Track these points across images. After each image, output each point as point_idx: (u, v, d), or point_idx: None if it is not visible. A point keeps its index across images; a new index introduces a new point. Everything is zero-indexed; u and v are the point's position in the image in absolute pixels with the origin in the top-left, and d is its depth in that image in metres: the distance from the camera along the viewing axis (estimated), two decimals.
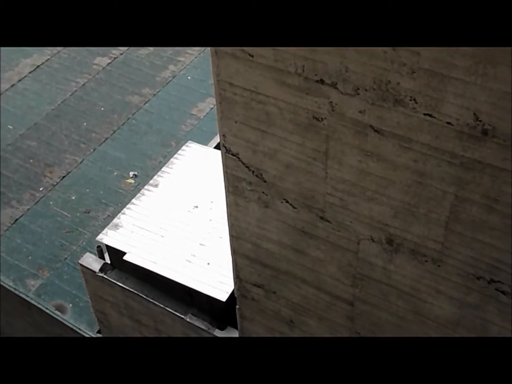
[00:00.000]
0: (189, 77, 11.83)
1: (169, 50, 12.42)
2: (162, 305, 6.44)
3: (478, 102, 3.11)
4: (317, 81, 3.54)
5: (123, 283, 6.66)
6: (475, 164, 3.36)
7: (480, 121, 3.17)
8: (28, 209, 9.49)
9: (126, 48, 12.46)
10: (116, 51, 12.45)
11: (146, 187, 7.12)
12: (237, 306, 5.64)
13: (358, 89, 3.42)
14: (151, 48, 12.40)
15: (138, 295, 6.57)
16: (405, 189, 3.73)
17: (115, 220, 6.76)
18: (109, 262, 6.85)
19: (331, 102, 3.59)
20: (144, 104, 11.28)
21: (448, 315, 4.24)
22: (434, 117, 3.30)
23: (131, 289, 6.61)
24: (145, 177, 9.58)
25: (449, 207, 3.64)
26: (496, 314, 3.99)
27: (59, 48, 12.57)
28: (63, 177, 10.01)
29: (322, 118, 3.71)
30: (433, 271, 4.04)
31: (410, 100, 3.30)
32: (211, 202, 6.84)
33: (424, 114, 3.32)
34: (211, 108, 10.90)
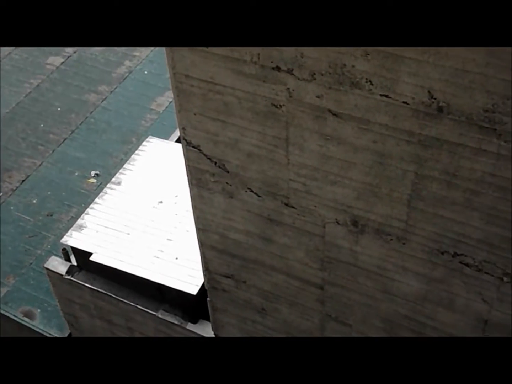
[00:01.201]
0: (145, 72, 11.68)
1: None
2: (132, 303, 6.40)
3: (432, 80, 3.16)
4: (273, 68, 3.55)
5: (91, 284, 6.58)
6: (433, 141, 3.42)
7: (435, 98, 3.23)
8: None
9: None
10: (69, 49, 12.20)
11: (108, 185, 7.03)
12: (208, 299, 5.64)
13: (315, 74, 3.44)
14: None
15: (108, 295, 6.50)
16: (366, 170, 3.77)
17: (79, 221, 6.66)
18: (75, 264, 6.76)
19: (288, 88, 3.59)
20: (102, 101, 11.10)
21: (416, 291, 4.32)
22: (390, 97, 3.34)
23: (100, 290, 6.54)
24: (107, 175, 9.45)
25: (410, 185, 3.70)
26: (461, 286, 4.08)
27: (10, 49, 12.24)
28: (23, 181, 9.80)
29: (280, 105, 3.71)
30: (398, 249, 4.11)
31: (366, 82, 3.33)
32: (176, 196, 6.80)
33: (381, 95, 3.36)
34: (170, 102, 10.80)
